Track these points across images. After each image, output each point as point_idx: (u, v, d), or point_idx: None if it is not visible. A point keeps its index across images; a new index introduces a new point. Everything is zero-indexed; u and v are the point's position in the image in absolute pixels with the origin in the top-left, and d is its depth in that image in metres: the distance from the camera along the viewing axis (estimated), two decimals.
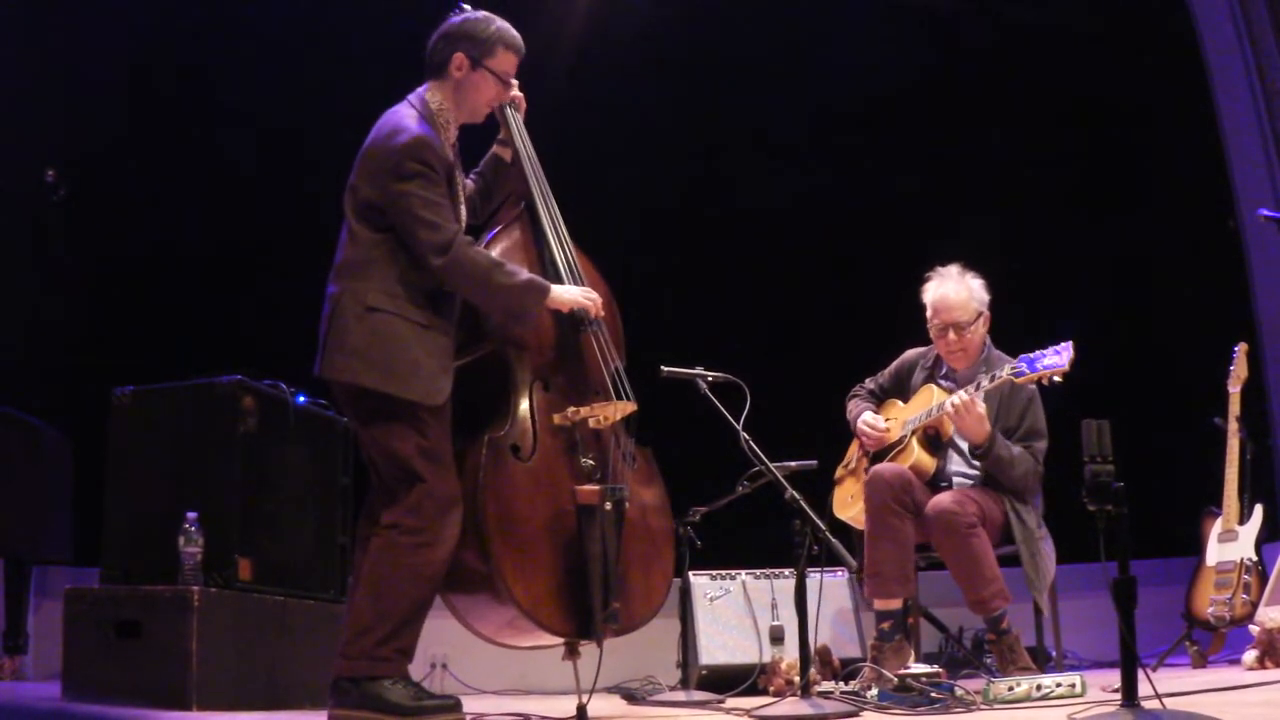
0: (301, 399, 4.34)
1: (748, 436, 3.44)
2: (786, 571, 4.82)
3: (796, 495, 3.26)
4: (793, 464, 3.85)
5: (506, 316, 3.35)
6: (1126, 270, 6.42)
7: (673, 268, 6.30)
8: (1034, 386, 4.16)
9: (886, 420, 4.52)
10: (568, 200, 3.59)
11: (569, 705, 3.24)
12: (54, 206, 5.76)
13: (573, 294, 3.39)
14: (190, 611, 3.68)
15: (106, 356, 5.68)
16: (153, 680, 3.67)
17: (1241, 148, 5.80)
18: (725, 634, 4.74)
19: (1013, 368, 4.03)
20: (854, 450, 4.67)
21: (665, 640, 4.58)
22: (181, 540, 3.80)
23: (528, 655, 3.67)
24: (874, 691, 3.53)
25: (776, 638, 4.72)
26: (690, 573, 4.55)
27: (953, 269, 4.47)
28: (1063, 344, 3.91)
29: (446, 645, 5.24)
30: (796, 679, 3.49)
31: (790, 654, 4.48)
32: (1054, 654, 4.51)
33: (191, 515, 3.83)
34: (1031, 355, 3.98)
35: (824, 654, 4.46)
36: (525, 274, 3.28)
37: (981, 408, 4.16)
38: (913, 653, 4.25)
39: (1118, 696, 2.61)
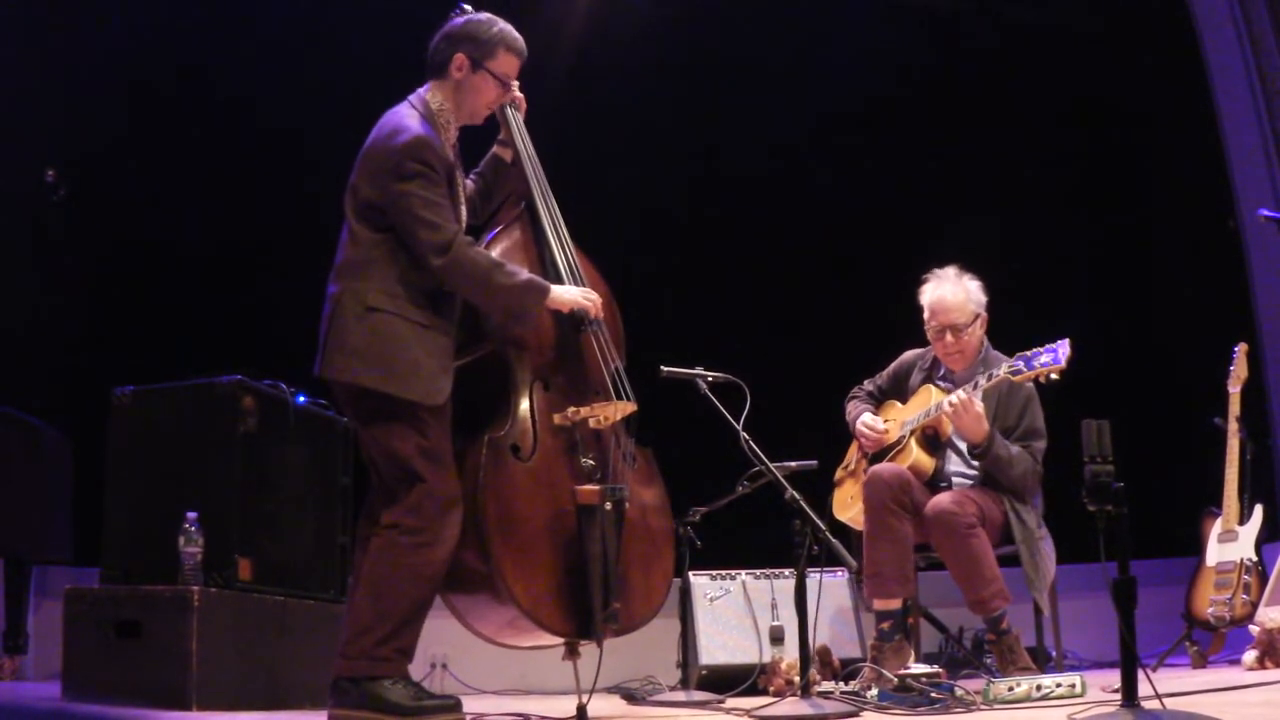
0: (301, 399, 4.34)
1: (748, 436, 3.44)
2: (786, 571, 4.82)
3: (796, 495, 3.27)
4: (793, 464, 3.85)
5: (506, 316, 3.35)
6: (1126, 270, 6.42)
7: (673, 268, 6.30)
8: (1032, 386, 4.18)
9: (885, 421, 4.52)
10: (568, 200, 3.60)
11: (569, 705, 3.24)
12: (54, 206, 5.75)
13: (573, 294, 3.39)
14: (190, 611, 3.68)
15: (106, 356, 5.67)
16: (153, 680, 3.66)
17: (1241, 148, 5.80)
18: (725, 634, 4.74)
19: (1010, 366, 4.05)
20: (853, 452, 4.67)
21: (665, 640, 4.58)
22: (181, 540, 3.80)
23: (528, 655, 3.67)
24: (874, 692, 3.53)
25: (776, 638, 4.71)
26: (690, 573, 4.54)
27: (950, 271, 4.47)
28: (1059, 342, 3.93)
29: (446, 645, 5.23)
30: (796, 679, 3.49)
31: (790, 654, 4.48)
32: (1054, 654, 4.51)
33: (191, 515, 3.82)
34: (1028, 354, 4.01)
35: (824, 654, 4.46)
36: (525, 274, 3.28)
37: (979, 407, 4.16)
38: (913, 653, 4.25)
39: (1118, 697, 2.61)
